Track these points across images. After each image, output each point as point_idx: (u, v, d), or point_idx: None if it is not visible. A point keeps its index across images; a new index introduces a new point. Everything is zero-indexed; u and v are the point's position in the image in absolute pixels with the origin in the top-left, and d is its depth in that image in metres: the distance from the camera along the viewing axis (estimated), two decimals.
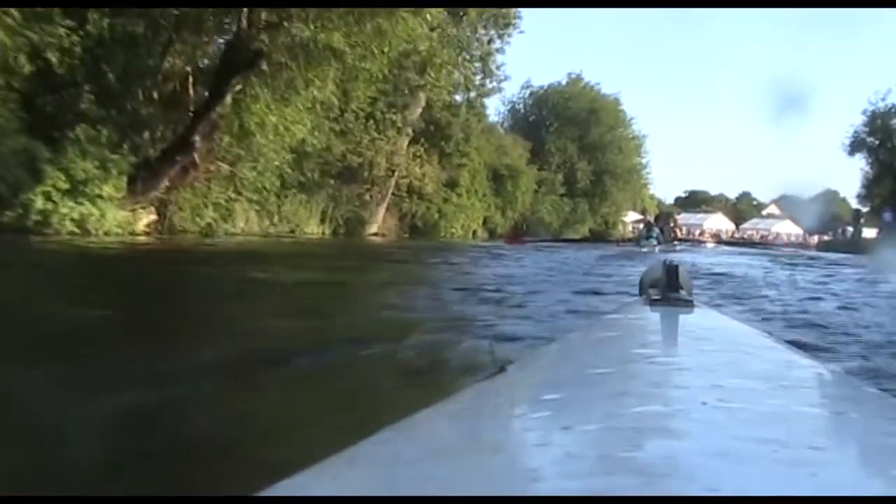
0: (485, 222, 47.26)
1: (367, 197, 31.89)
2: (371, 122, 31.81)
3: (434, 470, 0.71)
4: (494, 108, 55.37)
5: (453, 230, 41.10)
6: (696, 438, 0.75)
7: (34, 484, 2.15)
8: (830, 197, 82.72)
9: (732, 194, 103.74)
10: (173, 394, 3.21)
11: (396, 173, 32.80)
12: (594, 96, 53.33)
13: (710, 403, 0.87)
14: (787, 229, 79.45)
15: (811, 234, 75.46)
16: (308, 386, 3.79)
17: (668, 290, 1.90)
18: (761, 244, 55.08)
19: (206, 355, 4.13)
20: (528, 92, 54.84)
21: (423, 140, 33.31)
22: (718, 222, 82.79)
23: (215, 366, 3.82)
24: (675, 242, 37.86)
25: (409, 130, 32.96)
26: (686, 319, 1.74)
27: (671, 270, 1.94)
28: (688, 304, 1.88)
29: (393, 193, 33.98)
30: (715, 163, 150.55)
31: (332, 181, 31.54)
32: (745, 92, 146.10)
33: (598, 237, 53.26)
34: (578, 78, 53.61)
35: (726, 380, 1.08)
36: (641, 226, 68.72)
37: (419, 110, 33.09)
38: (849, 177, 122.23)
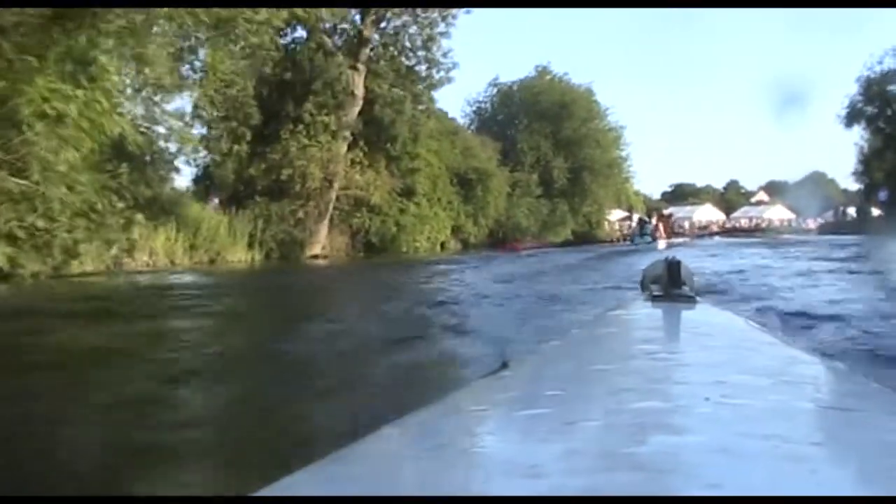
0: (456, 232, 42.23)
1: (301, 214, 26.74)
2: (300, 126, 26.76)
3: (436, 466, 0.71)
4: (460, 110, 50.31)
5: (417, 244, 35.97)
6: (698, 435, 0.74)
7: None
8: (818, 179, 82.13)
9: (719, 184, 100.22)
10: None
11: (335, 184, 27.65)
12: (564, 88, 48.28)
13: (713, 399, 0.86)
14: (778, 215, 76.28)
15: (805, 217, 72.03)
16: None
17: (669, 286, 1.87)
18: (753, 230, 50.48)
19: None
20: (495, 90, 49.80)
21: (361, 143, 28.14)
22: (708, 213, 78.46)
23: None
24: (658, 238, 33.84)
25: (347, 133, 27.86)
26: (688, 316, 1.72)
27: (673, 267, 1.90)
28: (690, 301, 1.85)
29: (337, 208, 28.86)
30: (699, 155, 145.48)
31: (257, 198, 26.45)
32: (725, 83, 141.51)
33: (582, 239, 48.31)
34: (546, 70, 48.59)
35: (728, 376, 1.06)
36: (631, 224, 64.57)
37: (357, 109, 28.00)
38: (837, 157, 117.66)
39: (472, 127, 48.76)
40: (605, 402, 0.90)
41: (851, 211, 51.81)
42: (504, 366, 1.23)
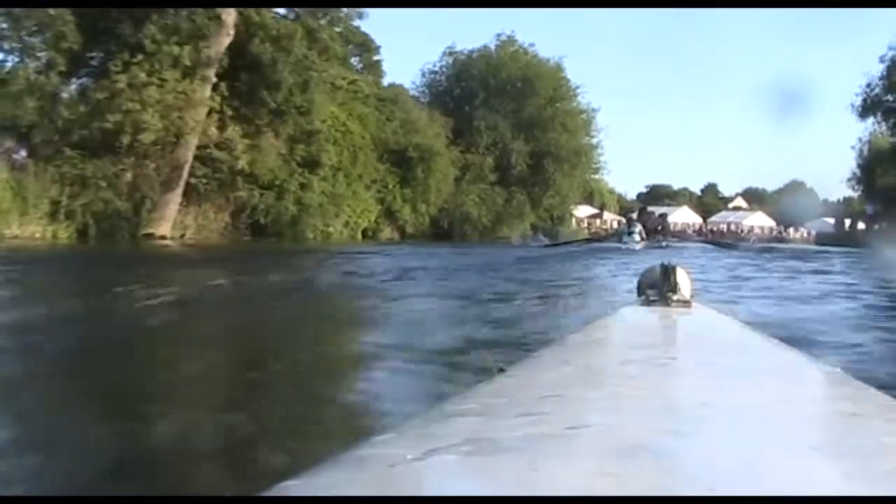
0: (390, 218, 34.23)
1: (129, 177, 18.57)
2: (138, 56, 18.57)
3: (434, 471, 0.69)
4: (410, 81, 42.24)
5: (329, 229, 27.93)
6: (696, 438, 0.73)
7: None
8: (797, 188, 79.29)
9: (695, 187, 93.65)
10: None
11: (190, 140, 19.49)
12: (529, 61, 40.15)
13: (710, 403, 0.85)
14: (759, 222, 69.88)
15: (786, 226, 66.62)
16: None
17: (666, 290, 1.83)
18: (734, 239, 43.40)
19: None
20: (451, 59, 41.64)
21: (224, 87, 19.95)
22: (685, 216, 71.48)
23: None
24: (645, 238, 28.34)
25: (210, 73, 19.71)
26: (684, 320, 1.69)
27: (669, 271, 1.86)
28: (686, 305, 1.80)
29: (204, 176, 20.79)
30: (675, 157, 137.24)
31: (68, 152, 18.28)
32: (703, 85, 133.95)
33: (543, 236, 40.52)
34: (510, 40, 40.42)
35: (725, 380, 1.04)
36: (600, 221, 57.05)
37: (225, 41, 19.85)
38: (818, 166, 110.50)
39: (425, 101, 40.74)
40: (603, 406, 0.88)
41: (846, 221, 44.53)
42: (501, 370, 1.21)
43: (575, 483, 0.60)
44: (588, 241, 30.85)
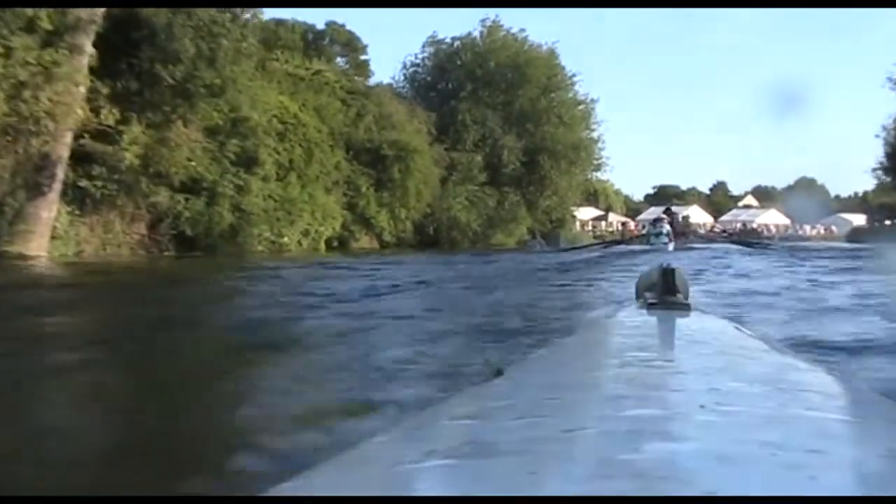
0: (366, 225, 29.21)
1: None
2: None
3: (433, 472, 0.68)
4: (389, 74, 37.33)
5: (283, 239, 22.93)
6: (694, 441, 0.72)
7: None
8: (808, 184, 74.78)
9: (704, 187, 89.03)
10: None
11: (56, 127, 14.46)
12: (519, 48, 35.04)
13: (708, 406, 0.83)
14: (773, 220, 64.82)
15: (801, 223, 61.72)
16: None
17: (664, 293, 1.74)
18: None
19: None
20: (433, 49, 36.61)
21: (101, 60, 14.84)
22: (696, 215, 66.24)
23: None
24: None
25: (84, 42, 14.71)
26: (683, 323, 1.63)
27: (667, 274, 1.77)
28: (684, 308, 1.73)
29: (92, 177, 15.86)
30: (682, 157, 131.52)
31: None
32: (709, 84, 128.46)
33: (545, 241, 35.47)
34: (496, 25, 35.30)
35: (724, 383, 1.02)
36: (607, 224, 51.82)
37: None
38: (827, 162, 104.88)
39: (408, 96, 35.74)
40: (601, 410, 0.86)
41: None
42: (499, 373, 1.18)
43: (573, 485, 0.58)
44: (607, 244, 26.33)
